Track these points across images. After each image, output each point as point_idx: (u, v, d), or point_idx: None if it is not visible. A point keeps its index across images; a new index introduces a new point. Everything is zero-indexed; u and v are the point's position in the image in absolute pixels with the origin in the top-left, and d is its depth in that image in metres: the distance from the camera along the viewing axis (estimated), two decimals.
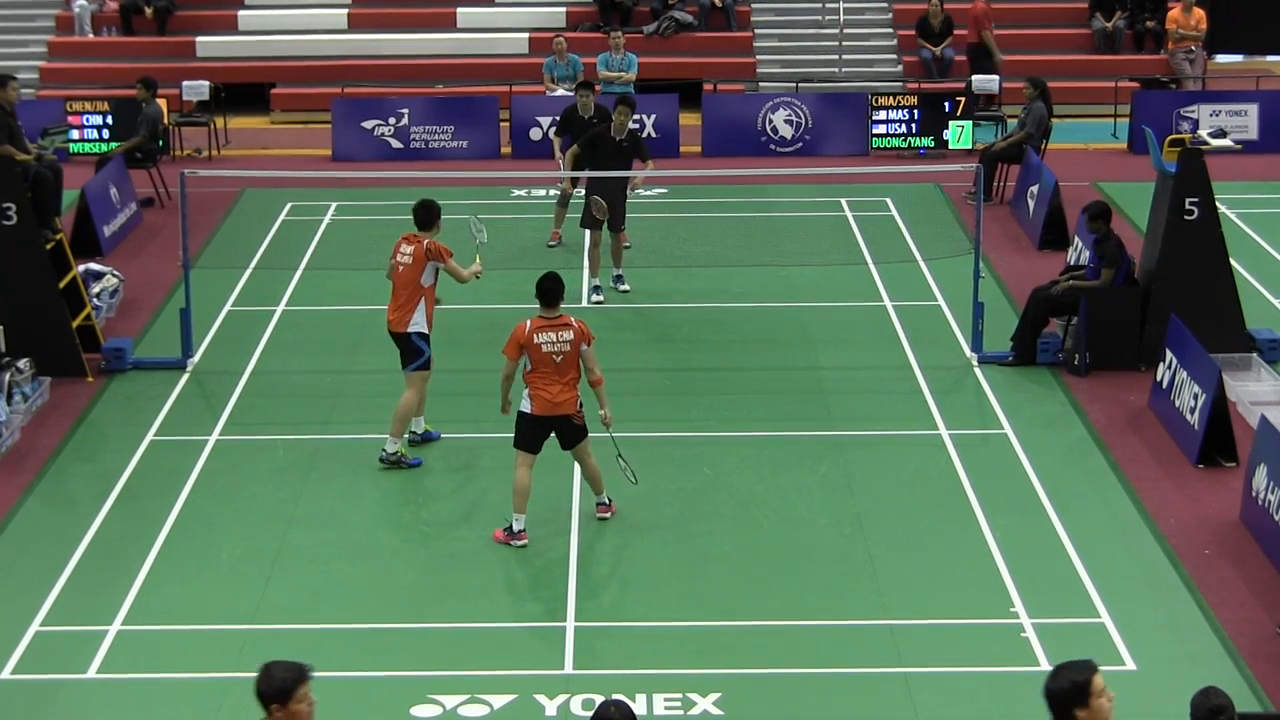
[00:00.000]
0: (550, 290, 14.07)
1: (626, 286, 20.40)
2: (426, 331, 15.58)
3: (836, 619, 13.02)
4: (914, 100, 27.55)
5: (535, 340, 13.87)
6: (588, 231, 20.46)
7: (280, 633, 12.81)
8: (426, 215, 15.67)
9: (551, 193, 23.76)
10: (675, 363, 18.25)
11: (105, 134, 26.99)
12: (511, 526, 14.09)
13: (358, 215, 23.90)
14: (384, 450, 15.61)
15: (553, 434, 14.19)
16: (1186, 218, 17.83)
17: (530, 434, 14.10)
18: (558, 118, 22.68)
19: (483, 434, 16.37)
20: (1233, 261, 18.27)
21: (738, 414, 16.74)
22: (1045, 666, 12.22)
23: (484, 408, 17.02)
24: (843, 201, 24.17)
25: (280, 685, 7.87)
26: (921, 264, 21.35)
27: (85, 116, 27.13)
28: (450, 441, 16.31)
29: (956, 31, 30.37)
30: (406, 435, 15.82)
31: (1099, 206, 18.00)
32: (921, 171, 25.14)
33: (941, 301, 20.04)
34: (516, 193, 25.00)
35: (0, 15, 32.04)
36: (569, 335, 13.92)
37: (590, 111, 21.83)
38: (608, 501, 14.53)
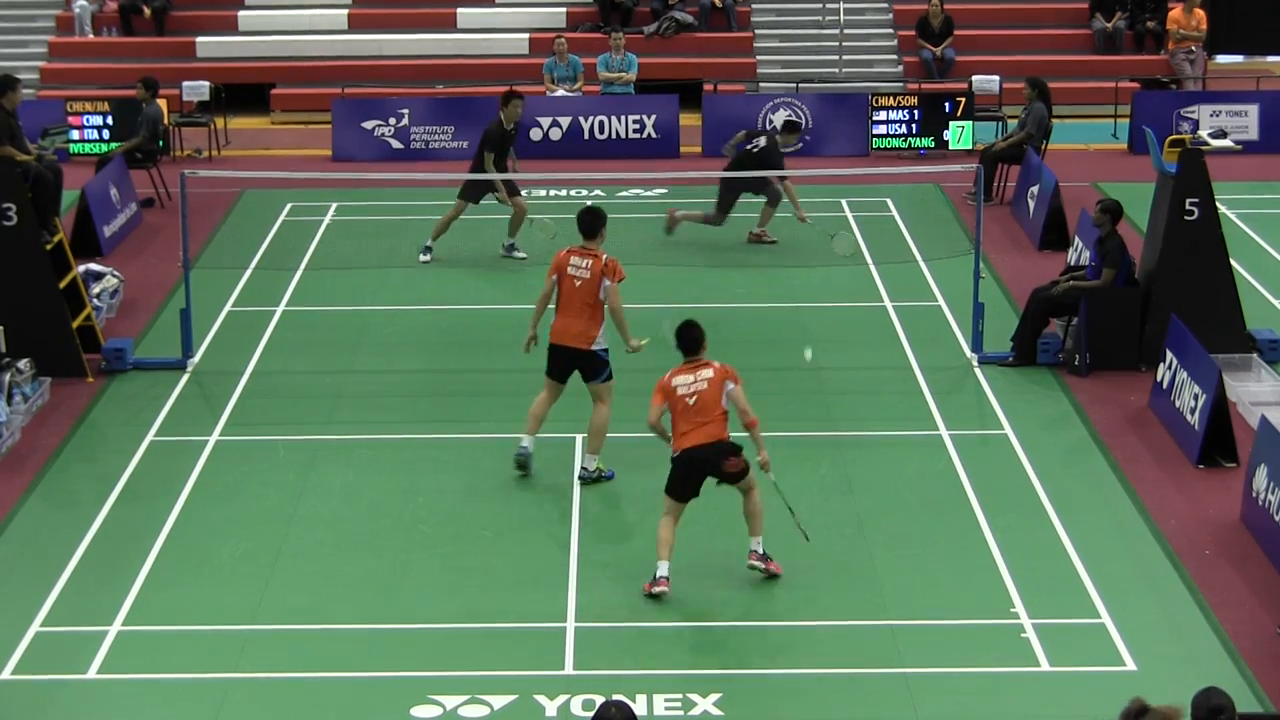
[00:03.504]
0: (690, 339, 13.59)
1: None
2: (606, 345, 15.25)
3: (836, 619, 13.02)
4: (914, 101, 27.55)
5: (673, 384, 13.41)
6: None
7: (281, 633, 12.81)
8: (593, 223, 15.31)
9: (554, 193, 23.75)
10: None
11: (105, 134, 26.99)
12: (655, 574, 13.25)
13: (358, 216, 23.91)
14: (584, 468, 15.25)
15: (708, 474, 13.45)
16: (1187, 218, 17.83)
17: (677, 479, 13.38)
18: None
19: (483, 435, 16.38)
20: (1233, 262, 18.28)
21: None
22: (1045, 667, 12.25)
23: (484, 408, 17.07)
24: (843, 202, 24.16)
25: None
26: (922, 264, 21.36)
27: (85, 117, 27.14)
28: (451, 442, 16.32)
29: None
30: (580, 473, 15.37)
31: (1113, 203, 17.98)
32: (921, 172, 25.14)
33: (941, 302, 20.04)
34: None
35: (0, 16, 32.04)
36: (708, 374, 13.42)
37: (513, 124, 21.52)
38: (762, 551, 13.43)
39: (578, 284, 15.14)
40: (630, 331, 15.31)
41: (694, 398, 13.32)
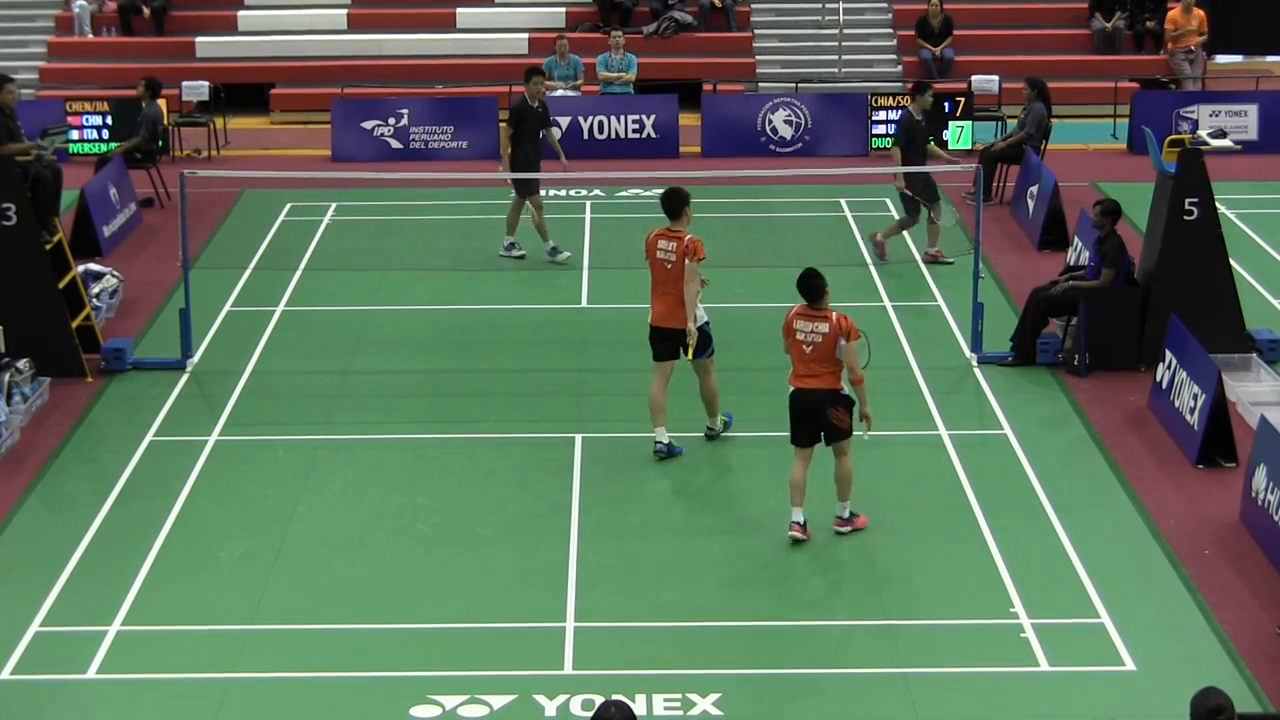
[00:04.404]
0: (810, 289, 14.08)
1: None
2: (707, 319, 15.73)
3: (836, 619, 13.02)
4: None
5: (794, 326, 14.06)
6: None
7: (280, 633, 12.81)
8: (675, 203, 15.63)
9: (554, 193, 23.71)
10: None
11: (105, 134, 27.00)
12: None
13: (357, 216, 23.90)
14: (709, 428, 15.96)
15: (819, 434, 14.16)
16: (1186, 218, 17.83)
17: (793, 422, 14.14)
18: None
19: (483, 435, 16.38)
20: (1232, 262, 18.28)
21: (738, 414, 16.71)
22: (1045, 667, 12.25)
23: (484, 408, 17.06)
24: (842, 202, 24.17)
25: None
26: (921, 265, 21.35)
27: (85, 117, 27.14)
28: (450, 441, 16.31)
29: None
30: (706, 431, 16.02)
31: (1112, 203, 17.97)
32: (921, 172, 25.07)
33: (941, 302, 20.04)
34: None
35: (0, 15, 32.05)
36: (824, 328, 13.94)
37: (537, 100, 21.66)
38: (848, 515, 14.26)
39: (668, 267, 15.60)
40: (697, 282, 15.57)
41: (810, 347, 14.00)
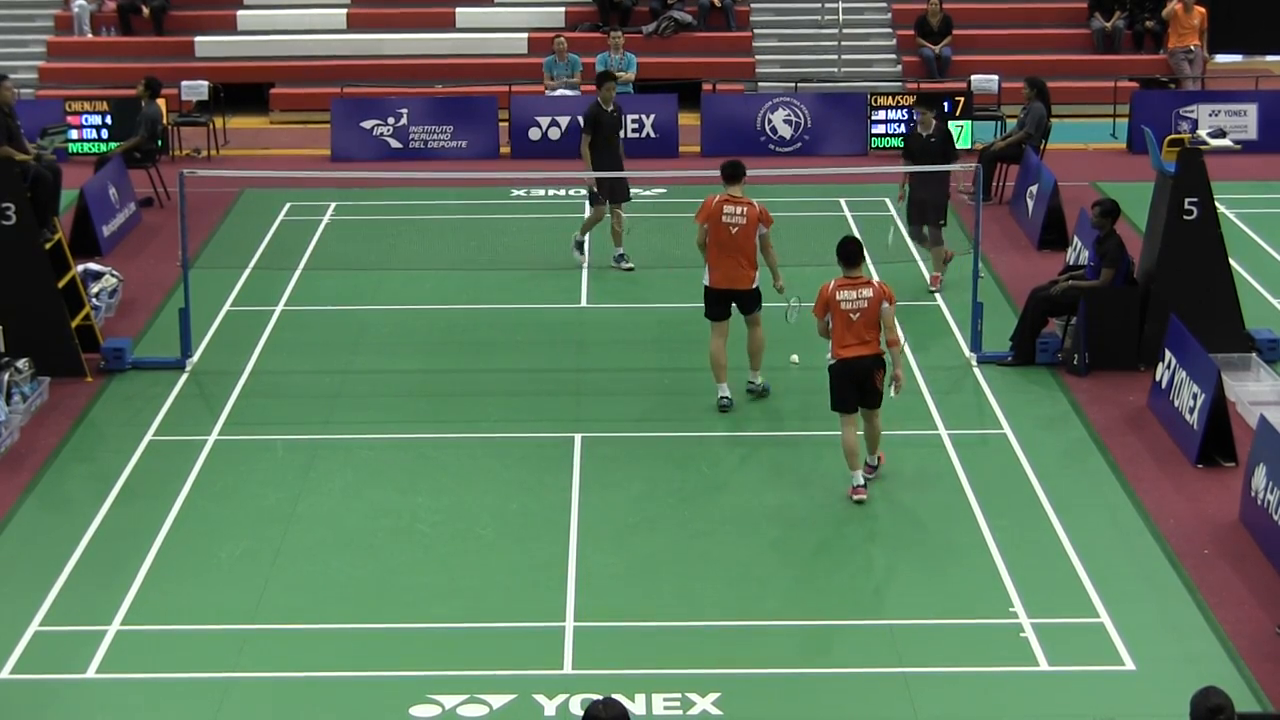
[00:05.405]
0: (849, 251, 14.72)
1: None
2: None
3: (837, 619, 13.02)
4: (913, 100, 27.53)
5: (837, 298, 14.55)
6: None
7: (280, 633, 12.81)
8: (738, 168, 16.53)
9: (553, 193, 23.73)
10: (675, 363, 18.25)
11: (104, 134, 26.99)
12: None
13: (357, 215, 23.90)
14: (751, 383, 16.85)
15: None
16: (1186, 218, 17.83)
17: (836, 389, 14.73)
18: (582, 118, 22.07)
19: (483, 435, 16.38)
20: (1232, 261, 18.28)
21: (737, 414, 16.74)
22: (1045, 667, 12.25)
23: (484, 408, 17.06)
24: (842, 201, 24.17)
25: None
26: (921, 264, 21.35)
27: (84, 116, 27.13)
28: (450, 441, 16.32)
29: None
30: (748, 386, 16.89)
31: (1111, 203, 17.96)
32: (921, 171, 25.08)
33: (941, 301, 20.05)
34: (516, 193, 24.98)
35: (0, 15, 32.04)
36: (868, 293, 14.49)
37: (611, 104, 21.45)
38: (877, 464, 15.07)
39: (734, 230, 16.32)
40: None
41: (857, 314, 14.61)
